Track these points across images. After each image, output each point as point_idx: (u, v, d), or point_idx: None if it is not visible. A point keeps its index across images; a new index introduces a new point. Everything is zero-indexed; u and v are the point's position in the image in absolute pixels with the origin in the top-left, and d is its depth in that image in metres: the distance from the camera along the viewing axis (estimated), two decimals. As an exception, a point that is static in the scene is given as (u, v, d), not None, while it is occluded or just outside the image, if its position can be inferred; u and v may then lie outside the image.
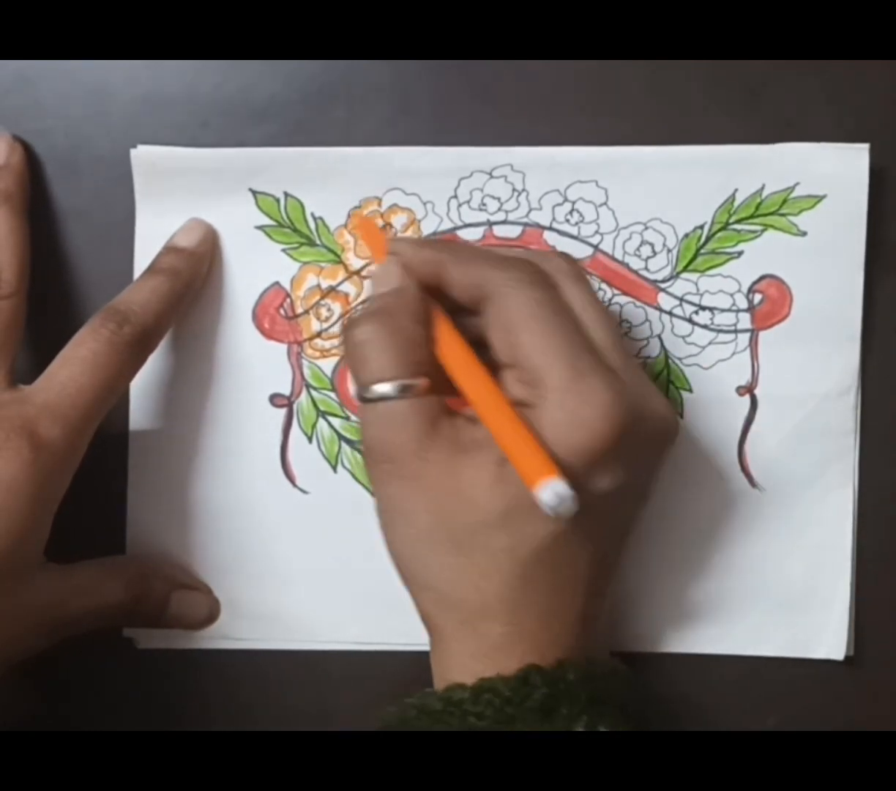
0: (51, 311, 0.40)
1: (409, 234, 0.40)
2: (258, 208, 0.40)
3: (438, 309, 0.35)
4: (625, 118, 0.40)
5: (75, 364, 0.36)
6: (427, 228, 0.40)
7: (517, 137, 0.40)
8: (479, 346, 0.35)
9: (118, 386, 0.37)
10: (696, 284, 0.40)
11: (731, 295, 0.40)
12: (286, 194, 0.40)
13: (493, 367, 0.35)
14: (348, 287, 0.40)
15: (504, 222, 0.40)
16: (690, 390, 0.40)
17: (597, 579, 0.35)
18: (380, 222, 0.40)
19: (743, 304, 0.40)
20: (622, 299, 0.40)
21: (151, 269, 0.38)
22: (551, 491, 0.31)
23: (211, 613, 0.41)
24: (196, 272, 0.39)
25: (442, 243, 0.37)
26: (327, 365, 0.40)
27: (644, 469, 0.35)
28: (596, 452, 0.32)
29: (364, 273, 0.40)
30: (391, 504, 0.35)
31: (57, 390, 0.35)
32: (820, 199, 0.39)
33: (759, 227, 0.39)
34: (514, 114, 0.40)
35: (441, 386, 0.35)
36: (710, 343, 0.40)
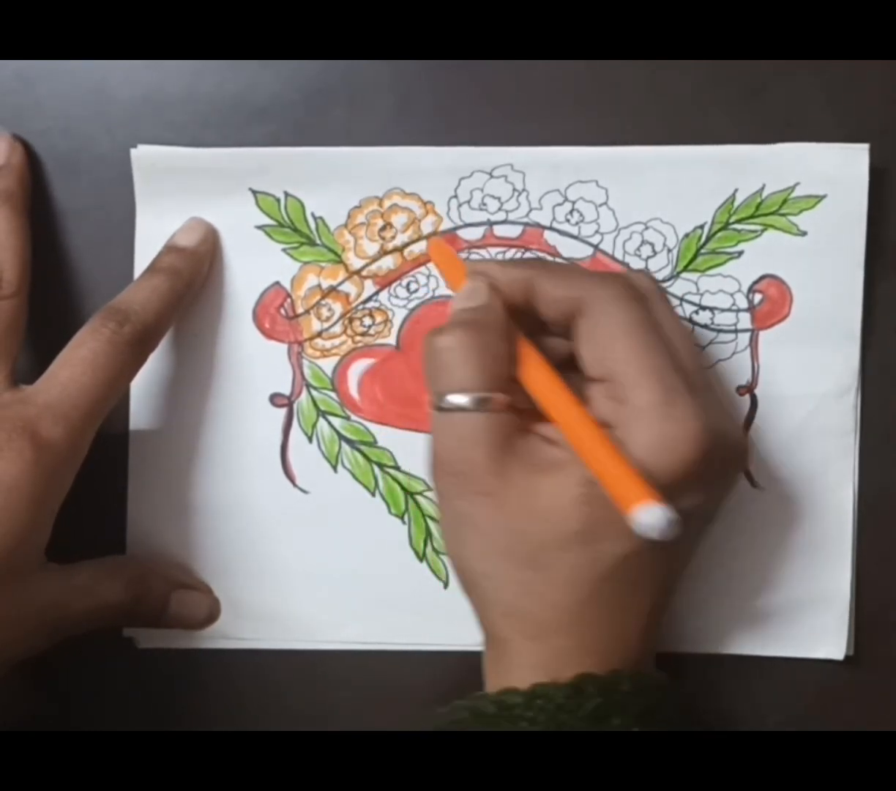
0: (51, 310, 0.40)
1: (409, 233, 0.40)
2: (258, 208, 0.40)
3: (519, 331, 0.35)
4: (625, 118, 0.40)
5: (76, 364, 0.36)
6: (427, 228, 0.40)
7: (517, 137, 0.40)
8: (559, 370, 0.35)
9: (119, 385, 0.37)
10: (696, 284, 0.40)
11: (732, 295, 0.40)
12: (286, 194, 0.40)
13: (574, 388, 0.34)
14: (349, 287, 0.40)
15: (504, 222, 0.40)
16: (691, 390, 0.40)
17: (660, 597, 0.35)
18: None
19: (743, 303, 0.40)
20: (622, 299, 0.40)
21: (152, 269, 0.38)
22: (654, 515, 0.31)
23: (211, 613, 0.40)
24: (197, 272, 0.39)
25: (530, 261, 0.37)
26: (328, 365, 0.40)
27: (716, 493, 0.35)
28: (680, 475, 0.32)
29: (366, 271, 0.40)
30: (460, 518, 0.34)
31: (58, 390, 0.35)
32: (820, 199, 0.39)
33: (759, 227, 0.40)
34: (515, 114, 0.40)
35: (516, 406, 0.35)
36: (710, 343, 0.40)
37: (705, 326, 0.40)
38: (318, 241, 0.40)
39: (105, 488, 0.40)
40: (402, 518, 0.41)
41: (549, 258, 0.40)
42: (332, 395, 0.41)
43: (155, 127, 0.40)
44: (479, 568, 0.34)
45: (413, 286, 0.40)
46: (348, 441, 0.41)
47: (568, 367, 0.35)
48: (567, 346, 0.36)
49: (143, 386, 0.40)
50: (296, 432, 0.41)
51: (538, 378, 0.34)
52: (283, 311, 0.40)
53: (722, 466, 0.34)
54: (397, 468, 0.41)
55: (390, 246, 0.40)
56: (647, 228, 0.40)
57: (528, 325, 0.36)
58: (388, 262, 0.40)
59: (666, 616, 0.36)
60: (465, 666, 0.41)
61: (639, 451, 0.32)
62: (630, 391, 0.33)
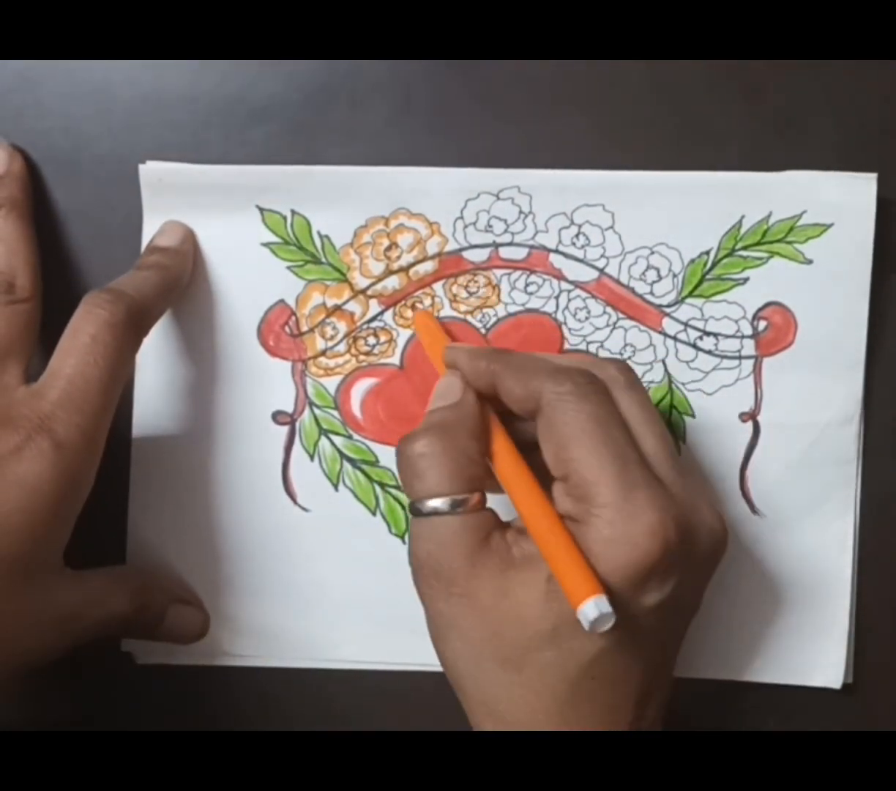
0: (50, 310, 0.39)
1: (414, 254, 0.40)
2: (265, 225, 0.40)
3: (494, 418, 0.36)
4: (624, 118, 0.40)
5: (78, 353, 0.35)
6: (432, 249, 0.40)
7: (517, 137, 0.40)
8: (535, 452, 0.35)
9: (123, 371, 0.36)
10: (700, 310, 0.40)
11: (736, 321, 0.40)
12: (293, 212, 0.40)
13: (547, 476, 0.34)
14: (353, 306, 0.40)
15: (510, 244, 0.40)
16: (693, 415, 0.40)
17: (647, 691, 0.35)
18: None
19: (747, 330, 0.40)
20: (626, 323, 0.40)
21: (138, 267, 0.38)
22: (591, 608, 0.31)
23: (202, 629, 0.41)
24: (183, 268, 0.39)
25: (496, 353, 0.36)
26: (331, 383, 0.41)
27: (693, 583, 0.35)
28: (643, 569, 0.32)
29: (371, 291, 0.40)
30: (442, 619, 0.34)
31: (65, 385, 0.35)
32: (827, 227, 0.39)
33: (765, 254, 0.39)
34: (514, 114, 0.40)
35: (496, 489, 0.35)
36: (713, 369, 0.40)
37: (709, 352, 0.40)
38: (323, 260, 0.40)
39: (106, 502, 0.40)
40: (402, 538, 0.41)
41: (554, 284, 0.40)
42: (335, 413, 0.41)
43: (155, 127, 0.40)
44: (461, 667, 0.34)
45: (418, 306, 0.40)
46: (350, 460, 0.41)
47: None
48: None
49: (147, 400, 0.40)
50: (297, 450, 0.41)
51: (507, 473, 0.35)
52: (287, 329, 0.40)
53: (695, 554, 0.34)
54: (398, 488, 0.41)
55: (396, 266, 0.40)
56: (652, 253, 0.40)
57: (502, 406, 0.36)
58: (393, 282, 0.40)
59: (661, 709, 0.35)
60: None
61: (598, 549, 0.32)
62: (589, 489, 0.33)
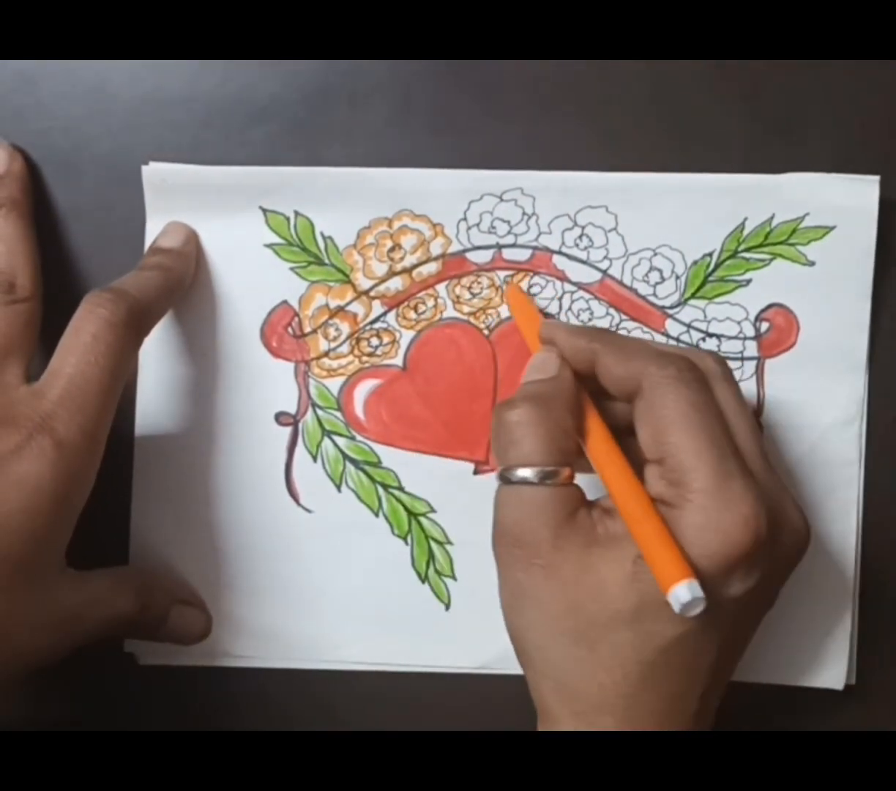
0: (51, 310, 0.39)
1: (417, 255, 0.40)
2: (268, 226, 0.40)
3: (587, 398, 0.36)
4: (624, 118, 0.40)
5: (79, 353, 0.35)
6: (436, 250, 0.40)
7: (516, 138, 0.40)
8: (625, 434, 0.35)
9: (124, 370, 0.36)
10: (703, 311, 0.40)
11: (739, 323, 0.40)
12: (296, 213, 0.40)
13: (637, 458, 0.34)
14: (357, 307, 0.40)
15: (513, 246, 0.40)
16: (696, 417, 0.40)
17: (714, 681, 0.35)
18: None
19: (750, 332, 0.40)
20: (630, 325, 0.40)
21: (140, 268, 0.38)
22: (683, 591, 0.31)
23: (204, 630, 0.41)
24: (185, 270, 0.39)
25: (597, 331, 0.37)
26: (334, 384, 0.41)
27: (773, 577, 0.35)
28: (731, 559, 0.32)
29: (374, 292, 0.40)
30: (519, 589, 0.34)
31: (66, 384, 0.35)
32: (829, 229, 0.39)
33: (767, 256, 0.40)
34: (514, 114, 0.40)
35: (583, 469, 0.35)
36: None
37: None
38: (326, 261, 0.40)
39: (109, 503, 0.40)
40: (404, 539, 0.41)
41: (557, 285, 0.40)
42: (338, 414, 0.41)
43: (155, 127, 0.40)
44: (533, 639, 0.34)
45: (421, 308, 0.40)
46: (353, 461, 0.41)
47: (634, 433, 0.35)
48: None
49: (149, 401, 0.40)
50: (300, 451, 0.41)
51: (599, 450, 0.35)
52: (290, 330, 0.40)
53: (778, 551, 0.34)
54: (401, 489, 0.41)
55: (399, 267, 0.40)
56: (655, 255, 0.40)
57: (596, 387, 0.36)
58: (396, 283, 0.40)
59: (717, 704, 0.35)
60: (465, 688, 0.41)
61: (690, 534, 0.32)
62: (685, 475, 0.33)
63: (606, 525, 0.34)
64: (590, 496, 0.35)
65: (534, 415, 0.34)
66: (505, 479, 0.34)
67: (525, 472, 0.34)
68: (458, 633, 0.41)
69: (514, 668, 0.40)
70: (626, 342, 0.36)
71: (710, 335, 0.40)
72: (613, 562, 0.33)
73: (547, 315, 0.40)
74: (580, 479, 0.35)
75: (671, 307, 0.40)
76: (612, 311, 0.40)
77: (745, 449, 0.34)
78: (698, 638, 0.33)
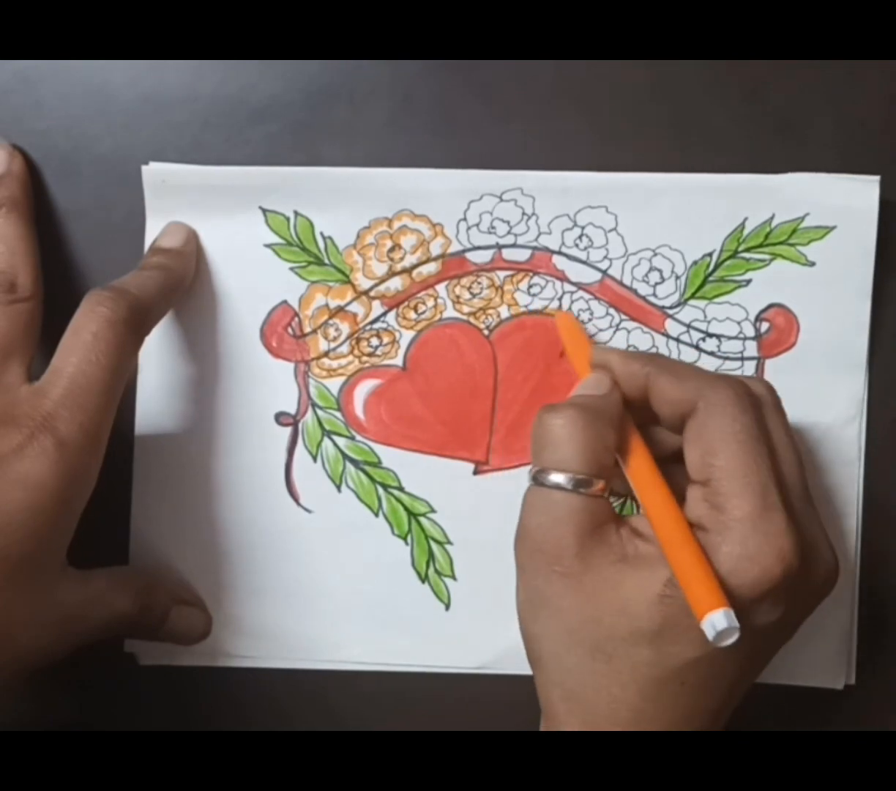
0: (51, 310, 0.39)
1: (417, 255, 0.40)
2: (268, 226, 0.40)
3: (632, 423, 0.36)
4: (624, 119, 0.40)
5: (80, 351, 0.35)
6: (436, 250, 0.40)
7: (516, 137, 0.40)
8: (667, 462, 0.35)
9: (124, 369, 0.36)
10: (703, 311, 0.40)
11: (739, 323, 0.40)
12: (296, 213, 0.40)
13: (677, 486, 0.35)
14: (356, 307, 0.40)
15: (513, 246, 0.40)
16: (696, 417, 0.40)
17: (724, 705, 0.35)
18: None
19: (750, 332, 0.40)
20: (629, 325, 0.40)
21: (141, 267, 0.38)
22: (720, 619, 0.31)
23: (205, 630, 0.41)
24: (186, 269, 0.39)
25: (650, 356, 0.37)
26: (334, 384, 0.41)
27: (796, 611, 0.35)
28: (763, 590, 0.32)
29: (374, 292, 0.40)
30: (537, 595, 0.34)
31: (67, 383, 0.35)
32: (829, 230, 0.39)
33: (767, 256, 0.40)
34: (514, 114, 0.40)
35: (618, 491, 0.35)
36: (716, 370, 0.40)
37: (712, 354, 0.40)
38: (326, 261, 0.40)
39: (109, 503, 0.40)
40: (404, 539, 0.41)
41: (557, 285, 0.40)
42: (338, 414, 0.41)
43: (155, 127, 0.40)
44: (548, 647, 0.34)
45: (420, 308, 0.40)
46: (353, 461, 0.41)
47: (675, 460, 0.35)
48: (677, 440, 0.36)
49: (150, 401, 0.40)
50: (300, 451, 0.41)
51: (640, 471, 0.35)
52: (290, 330, 0.40)
53: (807, 585, 0.34)
54: (401, 489, 0.41)
55: (399, 267, 0.40)
56: (655, 255, 0.40)
57: (640, 415, 0.36)
58: (396, 284, 0.40)
59: (728, 719, 0.36)
60: (465, 688, 0.41)
61: (726, 561, 0.32)
62: (728, 500, 0.33)
63: (636, 545, 0.34)
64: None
65: (579, 421, 0.34)
66: (537, 481, 0.34)
67: (559, 477, 0.34)
68: (457, 633, 0.41)
69: (514, 669, 0.40)
70: (680, 366, 0.36)
71: (710, 335, 0.40)
72: (642, 582, 0.33)
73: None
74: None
75: (671, 307, 0.40)
76: (611, 311, 0.40)
77: (789, 480, 0.34)
78: (716, 662, 0.33)
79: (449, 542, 0.41)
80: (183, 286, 0.39)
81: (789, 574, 0.32)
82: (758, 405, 0.34)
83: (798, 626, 0.36)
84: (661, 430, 0.36)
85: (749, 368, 0.40)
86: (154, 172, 0.39)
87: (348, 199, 0.40)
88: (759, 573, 0.32)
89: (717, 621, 0.31)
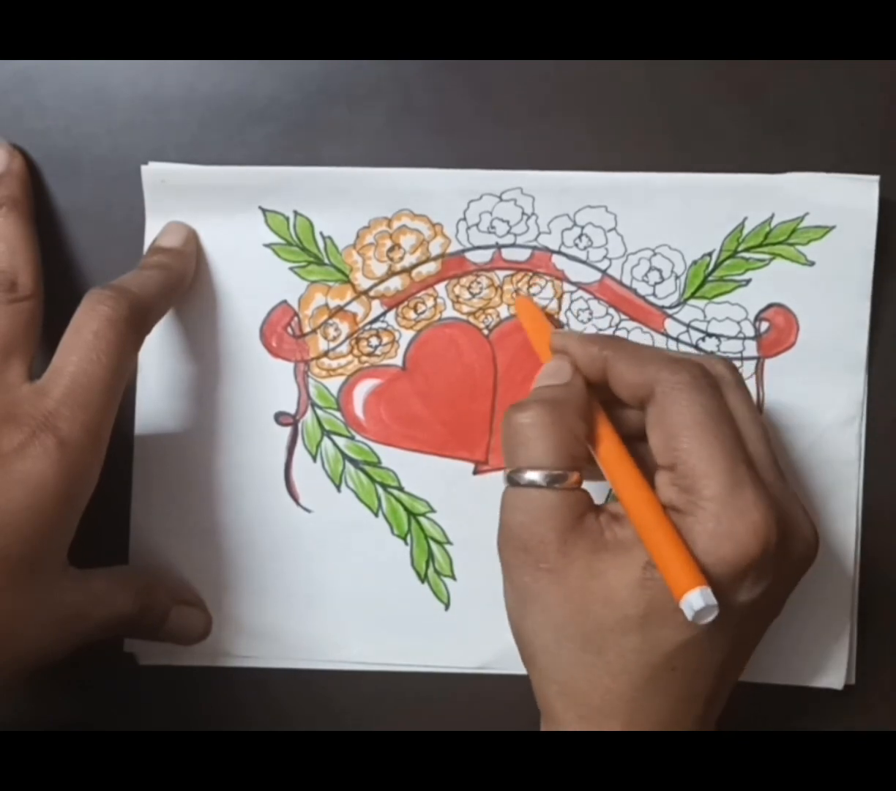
0: (52, 310, 0.39)
1: (417, 255, 0.40)
2: (268, 226, 0.40)
3: (598, 406, 0.36)
4: (623, 119, 0.40)
5: (81, 350, 0.35)
6: (435, 250, 0.40)
7: (516, 138, 0.40)
8: (635, 441, 0.35)
9: (125, 368, 0.36)
10: (703, 311, 0.40)
11: (738, 322, 0.40)
12: (296, 213, 0.40)
13: (647, 465, 0.35)
14: (356, 307, 0.40)
15: (513, 245, 0.40)
16: (695, 417, 0.40)
17: (718, 686, 0.35)
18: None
19: (749, 331, 0.40)
20: (629, 324, 0.40)
21: (141, 267, 0.39)
22: (697, 598, 0.31)
23: (205, 630, 0.41)
24: (186, 269, 0.39)
25: (608, 339, 0.37)
26: (333, 384, 0.41)
27: (780, 586, 0.35)
28: (740, 566, 0.32)
29: (373, 292, 0.40)
30: (525, 593, 0.34)
31: (68, 382, 0.35)
32: (829, 229, 0.39)
33: (767, 256, 0.40)
34: (514, 114, 0.40)
35: (591, 476, 0.35)
36: (715, 370, 0.40)
37: (711, 353, 0.40)
38: (326, 261, 0.40)
39: (109, 503, 0.40)
40: (404, 539, 0.41)
41: (557, 285, 0.40)
42: (337, 414, 0.41)
43: (155, 127, 0.40)
44: (539, 643, 0.34)
45: (420, 307, 0.40)
46: (352, 461, 0.41)
47: (645, 439, 0.35)
48: (644, 419, 0.35)
49: (149, 401, 0.40)
50: (300, 451, 0.41)
51: (611, 458, 0.35)
52: (289, 330, 0.40)
53: (787, 559, 0.34)
54: (401, 489, 0.41)
55: (398, 267, 0.40)
56: (655, 254, 0.40)
57: (606, 394, 0.36)
58: (395, 283, 0.40)
59: (720, 710, 0.36)
60: (465, 688, 0.41)
61: (701, 541, 0.32)
62: (697, 481, 0.33)
63: (614, 530, 0.34)
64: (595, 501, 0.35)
65: (545, 417, 0.34)
66: (512, 482, 0.34)
67: (533, 475, 0.34)
68: (457, 633, 0.41)
69: (514, 668, 0.40)
70: (638, 349, 0.36)
71: (710, 335, 0.40)
72: (622, 567, 0.33)
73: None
74: (586, 486, 0.35)
75: (671, 307, 0.40)
76: (611, 310, 0.40)
77: (757, 456, 0.34)
78: (705, 644, 0.33)
79: (448, 542, 0.41)
80: (183, 285, 0.39)
81: (767, 549, 0.32)
82: (716, 385, 0.34)
83: (783, 602, 0.36)
84: (628, 409, 0.36)
85: (749, 368, 0.40)
86: (154, 172, 0.39)
87: (348, 199, 0.40)
88: (735, 549, 0.32)
89: (695, 601, 0.31)
